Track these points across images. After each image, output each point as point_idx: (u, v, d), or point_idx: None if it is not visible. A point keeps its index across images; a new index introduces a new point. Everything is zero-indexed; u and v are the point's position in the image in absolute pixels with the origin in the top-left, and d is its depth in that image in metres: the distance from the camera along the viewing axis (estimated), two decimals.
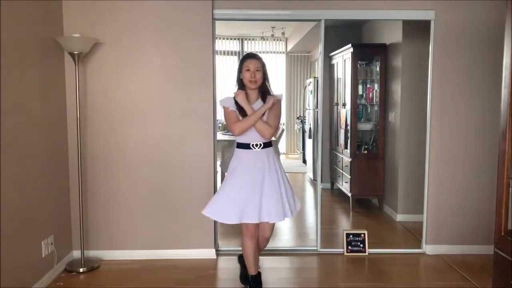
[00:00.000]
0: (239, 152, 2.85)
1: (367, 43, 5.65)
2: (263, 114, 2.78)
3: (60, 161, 3.48)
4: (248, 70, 2.78)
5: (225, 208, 2.78)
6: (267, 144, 2.83)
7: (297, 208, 2.97)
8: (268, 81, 2.89)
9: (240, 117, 2.79)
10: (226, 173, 2.92)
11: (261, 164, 2.78)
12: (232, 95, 2.85)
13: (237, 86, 2.88)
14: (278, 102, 2.84)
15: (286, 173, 2.96)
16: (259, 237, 2.94)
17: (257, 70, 2.78)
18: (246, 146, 2.81)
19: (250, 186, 2.76)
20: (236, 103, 2.80)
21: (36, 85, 3.10)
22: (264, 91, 2.85)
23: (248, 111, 2.76)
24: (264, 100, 2.82)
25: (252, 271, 2.96)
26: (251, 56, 2.86)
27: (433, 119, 3.77)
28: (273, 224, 2.92)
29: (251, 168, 2.78)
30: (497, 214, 2.68)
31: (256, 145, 2.80)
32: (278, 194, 2.79)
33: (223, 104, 2.85)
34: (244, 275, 3.12)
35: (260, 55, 2.95)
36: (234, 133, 2.81)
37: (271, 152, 2.86)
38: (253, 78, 2.77)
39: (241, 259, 3.16)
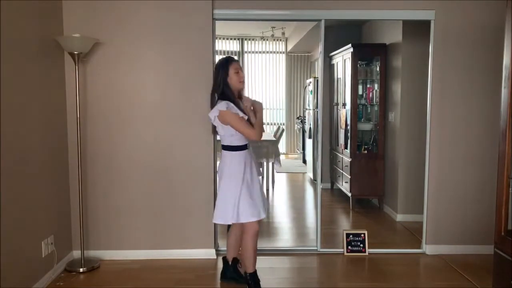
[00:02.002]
0: (242, 154, 2.92)
1: (367, 43, 5.65)
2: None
3: (60, 161, 3.48)
4: (237, 72, 2.91)
5: (254, 206, 2.90)
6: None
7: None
8: None
9: (244, 117, 2.90)
10: (229, 177, 2.90)
11: (251, 162, 2.98)
12: (224, 101, 2.85)
13: (220, 88, 2.89)
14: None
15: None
16: (244, 230, 3.03)
17: (241, 71, 2.98)
18: (243, 147, 2.94)
19: (252, 184, 2.93)
20: (240, 108, 2.88)
21: (36, 85, 3.10)
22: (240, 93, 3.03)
23: (251, 115, 2.95)
24: (240, 99, 2.99)
25: (253, 269, 3.00)
26: (234, 59, 3.01)
27: (433, 119, 3.77)
28: None
29: (248, 167, 2.93)
30: (497, 214, 2.68)
31: (248, 145, 2.99)
32: (261, 190, 3.02)
33: (233, 111, 2.83)
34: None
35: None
36: (257, 137, 2.85)
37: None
38: (242, 79, 2.95)
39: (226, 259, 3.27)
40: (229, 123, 2.83)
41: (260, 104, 3.01)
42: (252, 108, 2.99)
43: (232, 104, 2.86)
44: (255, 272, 3.00)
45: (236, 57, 3.18)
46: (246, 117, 2.86)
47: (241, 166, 2.90)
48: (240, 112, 2.84)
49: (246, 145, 2.94)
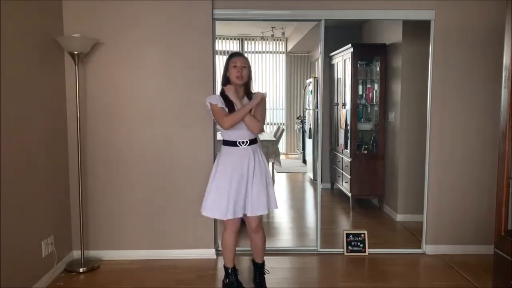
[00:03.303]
0: (226, 149, 2.95)
1: (367, 43, 5.65)
2: (251, 110, 2.88)
3: (60, 161, 3.48)
4: (235, 66, 2.88)
5: (220, 204, 2.88)
6: (253, 141, 2.95)
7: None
8: (251, 80, 3.01)
9: (227, 112, 2.88)
10: (214, 170, 2.97)
11: (246, 160, 2.90)
12: (218, 94, 2.97)
13: (222, 82, 2.98)
14: (264, 99, 2.96)
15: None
16: (248, 230, 3.06)
17: (243, 67, 2.89)
18: (233, 143, 2.93)
19: (238, 181, 2.87)
20: (225, 99, 2.90)
21: (36, 85, 3.10)
22: (248, 89, 2.98)
23: (238, 105, 2.87)
24: (249, 98, 2.94)
25: (230, 264, 3.06)
26: (238, 54, 2.98)
27: (433, 119, 3.77)
28: (259, 216, 3.00)
29: (238, 164, 2.89)
30: (497, 214, 2.68)
31: (243, 142, 2.92)
32: (263, 188, 2.92)
33: (211, 101, 2.92)
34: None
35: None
36: (224, 127, 2.87)
37: (256, 149, 2.97)
38: (239, 74, 2.87)
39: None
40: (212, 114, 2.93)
41: (258, 95, 2.92)
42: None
43: (216, 96, 2.94)
44: (233, 267, 3.08)
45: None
46: (226, 109, 2.88)
47: (220, 161, 2.93)
48: (219, 102, 2.88)
49: (235, 142, 2.90)
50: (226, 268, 3.09)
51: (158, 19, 3.57)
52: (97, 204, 3.67)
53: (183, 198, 3.69)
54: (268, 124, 9.59)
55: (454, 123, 3.76)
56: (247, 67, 2.91)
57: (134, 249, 3.69)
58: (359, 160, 5.29)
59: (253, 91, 3.00)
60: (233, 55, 2.94)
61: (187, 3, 3.57)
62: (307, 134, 7.41)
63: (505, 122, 2.62)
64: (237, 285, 3.07)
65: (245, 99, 2.94)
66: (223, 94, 2.93)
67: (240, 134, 2.90)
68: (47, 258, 3.21)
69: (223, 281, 3.13)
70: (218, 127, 3.02)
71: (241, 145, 2.91)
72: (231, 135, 2.92)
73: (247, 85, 2.96)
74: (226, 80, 2.95)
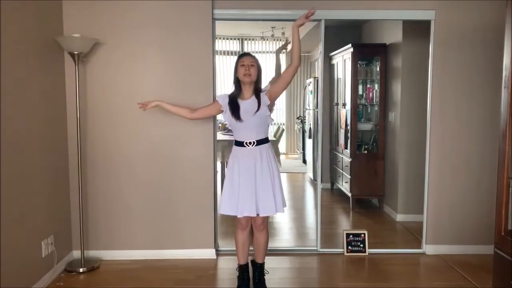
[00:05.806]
0: (235, 149, 3.01)
1: (367, 43, 5.65)
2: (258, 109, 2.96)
3: (60, 161, 3.48)
4: (242, 65, 2.92)
5: (232, 202, 2.95)
6: (261, 142, 2.96)
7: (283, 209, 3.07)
8: (260, 80, 3.03)
9: (229, 113, 2.93)
10: (226, 170, 3.07)
11: (252, 160, 2.92)
12: (229, 92, 3.04)
13: (233, 85, 3.03)
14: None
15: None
16: (252, 227, 3.12)
17: (251, 65, 2.92)
18: (240, 144, 2.97)
19: (244, 180, 2.91)
20: (232, 100, 2.97)
21: (36, 85, 3.10)
22: (257, 89, 2.99)
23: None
24: (258, 97, 2.95)
25: (240, 261, 3.14)
26: (246, 54, 3.03)
27: (433, 119, 3.77)
28: (266, 216, 3.06)
29: (245, 164, 2.93)
30: (497, 214, 2.68)
31: (250, 143, 2.94)
32: (269, 189, 2.93)
33: (217, 98, 3.07)
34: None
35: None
36: (188, 117, 3.15)
37: (265, 149, 2.97)
38: (247, 72, 2.90)
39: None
40: None
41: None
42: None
43: (222, 94, 3.05)
44: (242, 264, 3.15)
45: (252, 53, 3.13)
46: (222, 106, 2.99)
47: (229, 160, 3.01)
48: (220, 100, 3.01)
49: (243, 142, 2.93)
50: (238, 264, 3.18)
51: (158, 19, 3.57)
52: (97, 204, 3.67)
53: (183, 199, 3.69)
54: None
55: (454, 123, 3.76)
56: (255, 65, 2.94)
57: (134, 249, 3.69)
58: (359, 160, 5.29)
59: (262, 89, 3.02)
60: (241, 55, 3.00)
61: (187, 3, 3.57)
62: (307, 134, 7.41)
63: (505, 122, 2.62)
64: (240, 283, 3.11)
65: (252, 99, 2.94)
66: (232, 94, 2.99)
67: (247, 134, 2.94)
68: (47, 258, 3.21)
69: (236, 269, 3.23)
70: (230, 127, 3.09)
71: (248, 146, 2.94)
72: (239, 136, 2.97)
73: (256, 84, 2.97)
74: (236, 81, 2.99)
